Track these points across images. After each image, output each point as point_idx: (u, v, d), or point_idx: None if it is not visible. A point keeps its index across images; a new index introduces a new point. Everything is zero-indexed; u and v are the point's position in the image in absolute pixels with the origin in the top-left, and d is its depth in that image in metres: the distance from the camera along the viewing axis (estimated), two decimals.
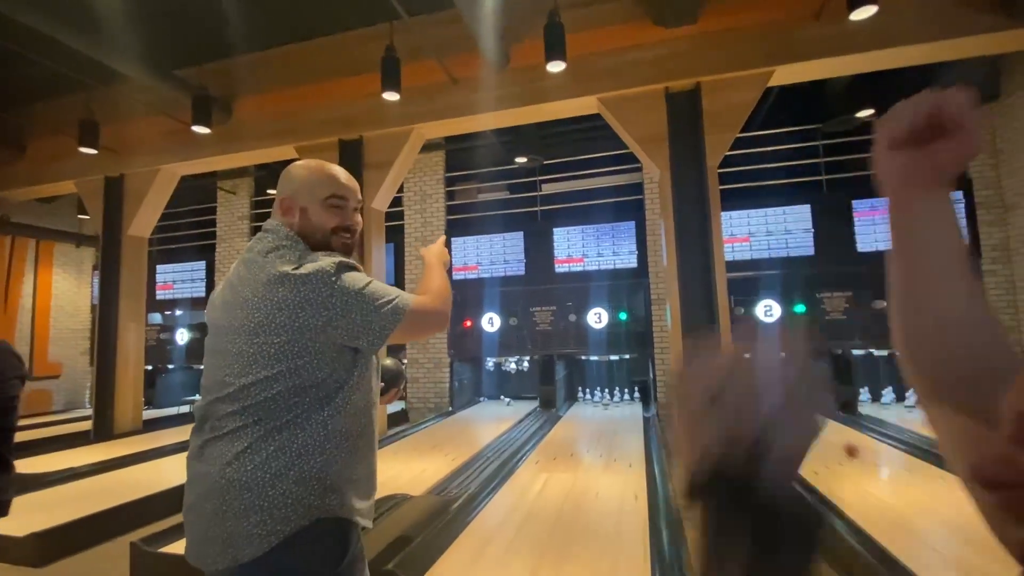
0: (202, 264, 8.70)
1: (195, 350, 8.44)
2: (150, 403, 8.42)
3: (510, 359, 7.32)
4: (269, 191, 8.11)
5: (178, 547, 2.56)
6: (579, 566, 2.23)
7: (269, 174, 7.90)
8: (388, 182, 5.20)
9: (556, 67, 4.05)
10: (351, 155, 5.22)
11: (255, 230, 8.47)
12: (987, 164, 5.74)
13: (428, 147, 7.11)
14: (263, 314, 0.96)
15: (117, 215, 6.20)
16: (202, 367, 1.08)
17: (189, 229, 8.89)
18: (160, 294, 8.84)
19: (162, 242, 8.86)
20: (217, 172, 8.12)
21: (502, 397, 7.44)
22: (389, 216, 5.82)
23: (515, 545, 2.49)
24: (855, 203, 6.08)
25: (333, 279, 0.98)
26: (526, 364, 7.28)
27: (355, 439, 1.02)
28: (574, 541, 2.50)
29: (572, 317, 6.93)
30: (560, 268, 7.05)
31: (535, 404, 6.76)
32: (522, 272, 7.18)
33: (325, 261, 1.00)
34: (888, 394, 6.06)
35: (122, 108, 5.89)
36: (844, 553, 2.31)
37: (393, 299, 1.03)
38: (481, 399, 7.66)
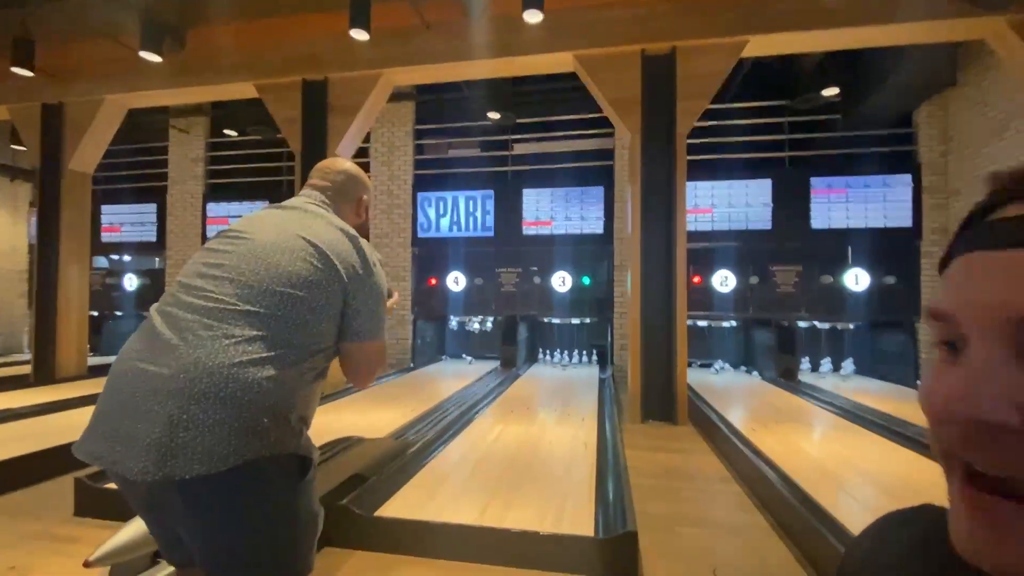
0: (152, 207, 8.25)
1: (145, 297, 8.09)
2: (96, 350, 8.08)
3: (474, 319, 7.36)
4: (226, 131, 7.68)
5: None
6: (528, 503, 2.34)
7: (226, 113, 7.47)
8: (354, 129, 5.02)
9: (533, 16, 3.95)
10: (315, 97, 4.99)
11: (211, 173, 8.09)
12: (937, 151, 6.02)
13: (397, 96, 6.87)
14: (323, 252, 1.05)
15: (56, 147, 5.77)
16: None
17: (138, 168, 8.36)
18: (106, 236, 8.35)
19: (107, 181, 8.31)
20: (169, 108, 7.62)
21: (464, 356, 7.52)
22: None
23: (469, 485, 2.57)
24: (813, 180, 6.29)
25: (380, 277, 1.16)
26: (489, 324, 7.34)
27: (317, 397, 1.09)
28: (525, 482, 2.61)
29: (537, 280, 6.99)
30: (528, 230, 7.06)
31: (496, 363, 6.87)
32: (490, 233, 7.15)
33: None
34: (826, 364, 6.45)
35: (63, 27, 5.38)
36: (775, 501, 2.50)
37: (382, 325, 1.15)
38: (443, 358, 7.71)
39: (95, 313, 7.88)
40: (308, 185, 1.26)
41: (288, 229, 1.07)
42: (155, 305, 1.04)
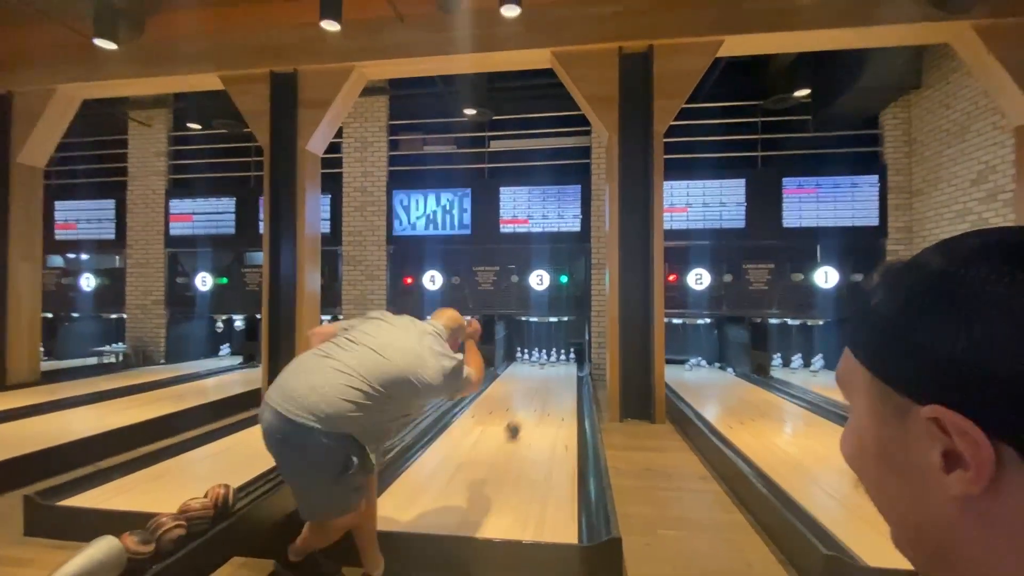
0: (111, 203, 7.86)
1: (104, 297, 7.72)
2: (51, 354, 7.67)
3: None
4: (189, 124, 7.35)
5: (77, 500, 2.37)
6: (510, 510, 2.29)
7: (189, 105, 7.14)
8: (325, 123, 4.87)
9: (510, 11, 3.88)
10: (284, 89, 4.82)
11: (173, 168, 7.76)
12: (901, 152, 6.21)
13: (371, 91, 6.71)
14: (408, 364, 1.70)
15: (4, 140, 5.43)
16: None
17: (96, 163, 7.94)
18: (60, 234, 7.93)
19: (61, 175, 7.88)
20: (128, 100, 7.27)
21: None
22: (326, 163, 5.48)
23: (447, 493, 2.51)
24: (785, 180, 6.40)
25: (450, 372, 1.77)
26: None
27: (388, 432, 1.80)
28: (506, 488, 2.56)
29: (514, 278, 6.94)
30: (505, 228, 6.99)
31: None
32: (467, 231, 7.05)
33: (454, 363, 1.79)
34: (797, 360, 6.60)
35: (11, 12, 5.06)
36: (754, 499, 2.51)
37: (460, 380, 1.83)
38: None
39: (49, 315, 7.49)
40: (436, 320, 1.95)
41: (409, 345, 1.74)
42: (328, 342, 1.79)
